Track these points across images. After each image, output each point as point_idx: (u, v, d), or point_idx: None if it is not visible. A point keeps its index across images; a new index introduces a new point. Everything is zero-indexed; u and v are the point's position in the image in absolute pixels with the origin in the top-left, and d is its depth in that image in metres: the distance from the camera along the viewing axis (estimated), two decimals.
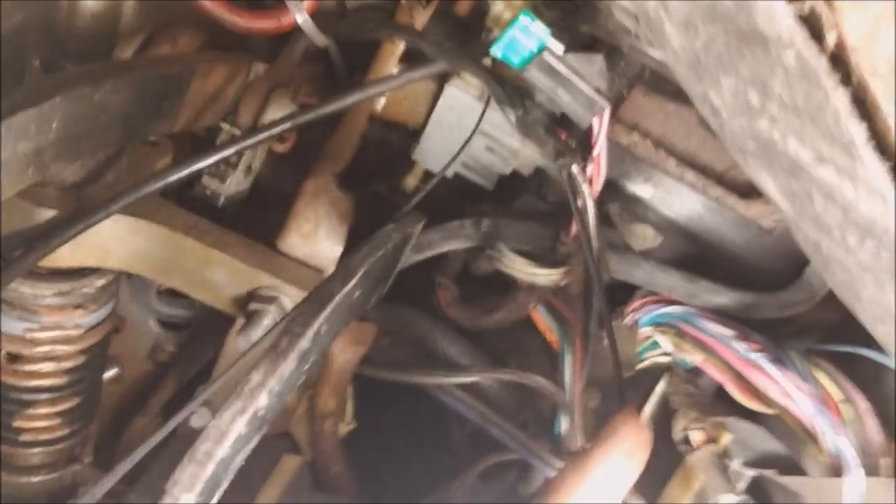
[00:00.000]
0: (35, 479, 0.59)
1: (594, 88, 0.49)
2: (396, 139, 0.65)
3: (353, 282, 0.32)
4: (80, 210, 0.49)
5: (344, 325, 0.33)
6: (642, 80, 0.62)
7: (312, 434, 0.65)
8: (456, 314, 0.63)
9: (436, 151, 0.63)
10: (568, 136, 0.55)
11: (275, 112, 0.55)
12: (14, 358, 0.56)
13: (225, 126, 0.55)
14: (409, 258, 0.62)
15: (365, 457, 0.70)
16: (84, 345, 0.57)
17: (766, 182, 0.39)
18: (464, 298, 0.65)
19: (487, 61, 0.54)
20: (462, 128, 0.61)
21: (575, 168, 0.52)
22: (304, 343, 0.29)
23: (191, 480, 0.26)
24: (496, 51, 0.48)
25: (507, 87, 0.51)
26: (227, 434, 0.26)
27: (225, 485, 0.27)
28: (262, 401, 0.27)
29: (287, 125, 0.51)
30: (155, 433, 0.32)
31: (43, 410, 0.58)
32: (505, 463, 0.64)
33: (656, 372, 0.71)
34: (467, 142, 0.57)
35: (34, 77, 0.46)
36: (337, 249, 0.58)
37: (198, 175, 0.58)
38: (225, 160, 0.57)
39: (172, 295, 0.69)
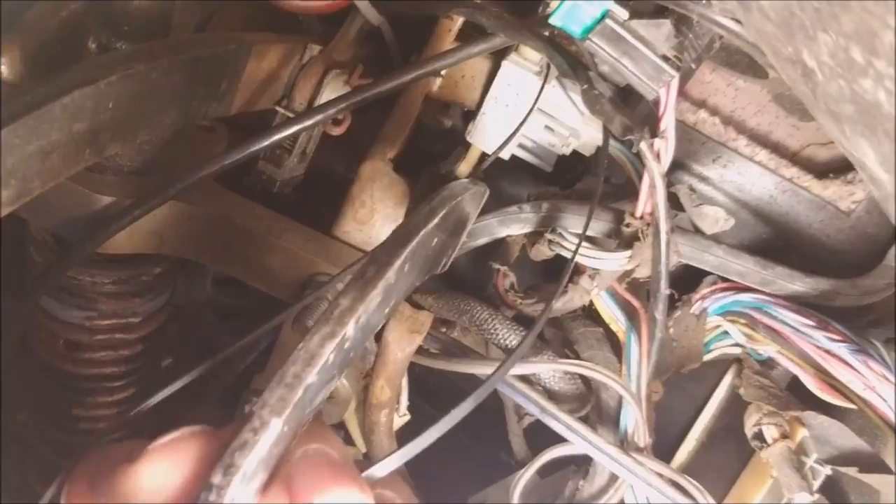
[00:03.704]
0: None
1: (661, 56, 0.46)
2: (452, 121, 0.63)
3: (435, 221, 0.30)
4: (137, 196, 0.49)
5: (421, 275, 0.31)
6: (711, 54, 0.59)
7: (367, 425, 0.63)
8: (515, 302, 0.61)
9: (492, 132, 0.60)
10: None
11: (330, 94, 0.54)
12: (73, 346, 0.56)
13: (280, 109, 0.54)
14: (466, 244, 0.60)
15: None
16: (142, 333, 0.57)
17: (865, 152, 0.35)
18: (523, 285, 0.62)
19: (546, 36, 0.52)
20: (520, 106, 0.58)
21: (643, 144, 0.49)
22: (391, 275, 0.27)
23: (280, 403, 0.24)
24: (556, 20, 0.45)
25: (570, 59, 0.48)
26: (316, 357, 0.25)
27: (309, 418, 0.25)
28: (350, 329, 0.26)
29: (342, 106, 0.50)
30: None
31: (101, 399, 0.58)
32: (565, 458, 0.62)
33: (722, 363, 0.68)
34: (527, 116, 0.55)
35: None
36: None
37: (253, 160, 0.58)
38: (280, 144, 0.57)
39: (228, 283, 0.69)
